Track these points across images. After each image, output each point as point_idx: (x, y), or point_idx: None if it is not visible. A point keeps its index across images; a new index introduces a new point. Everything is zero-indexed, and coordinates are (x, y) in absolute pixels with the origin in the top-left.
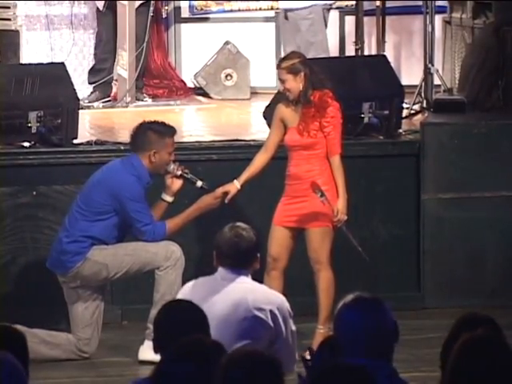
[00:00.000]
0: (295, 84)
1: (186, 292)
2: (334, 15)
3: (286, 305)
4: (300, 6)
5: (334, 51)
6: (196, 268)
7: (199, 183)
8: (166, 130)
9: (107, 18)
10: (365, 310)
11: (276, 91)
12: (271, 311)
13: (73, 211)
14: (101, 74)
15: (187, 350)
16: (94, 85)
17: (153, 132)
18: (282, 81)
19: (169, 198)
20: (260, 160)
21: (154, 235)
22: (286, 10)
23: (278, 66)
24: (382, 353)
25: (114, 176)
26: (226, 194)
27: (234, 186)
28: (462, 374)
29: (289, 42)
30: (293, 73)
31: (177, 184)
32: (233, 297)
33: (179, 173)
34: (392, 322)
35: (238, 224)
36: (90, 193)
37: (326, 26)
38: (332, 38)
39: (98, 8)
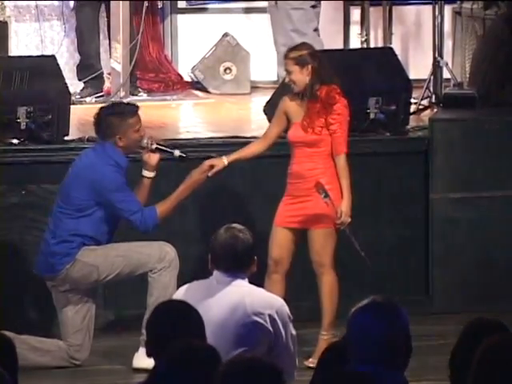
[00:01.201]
0: (301, 76)
1: (179, 296)
2: (338, 5)
3: (286, 308)
4: None
5: (338, 43)
6: (193, 271)
7: (176, 152)
8: (125, 111)
9: (83, 13)
10: (379, 315)
11: (277, 85)
12: (270, 315)
13: (55, 212)
14: (89, 69)
15: (181, 357)
16: (84, 80)
17: (113, 116)
18: (288, 72)
19: (150, 174)
20: (255, 146)
21: (145, 222)
22: None
23: (286, 56)
24: (393, 361)
25: (91, 169)
26: (212, 167)
27: (222, 161)
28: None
29: (279, 31)
30: (300, 64)
31: (154, 158)
32: (229, 301)
33: (154, 146)
34: (406, 331)
35: (234, 225)
36: (68, 190)
37: (318, 18)
38: (337, 29)
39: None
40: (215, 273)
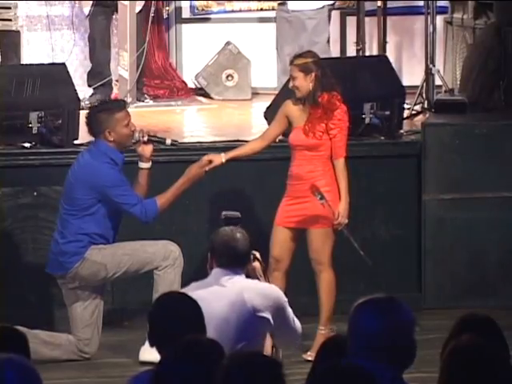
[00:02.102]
0: (305, 83)
1: None
2: (335, 15)
3: (280, 294)
4: (308, 7)
5: (335, 52)
6: (196, 269)
7: (168, 141)
8: (112, 106)
9: (97, 21)
10: (380, 312)
11: (277, 92)
12: (268, 306)
13: (61, 213)
14: (99, 76)
15: (186, 351)
16: (94, 86)
17: (101, 113)
18: (292, 77)
19: (146, 165)
20: (253, 145)
21: (146, 213)
22: (293, 11)
23: (291, 62)
24: (390, 356)
25: (88, 169)
26: (210, 162)
27: (220, 158)
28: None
29: (288, 41)
30: (304, 71)
31: (148, 149)
32: (229, 296)
33: (146, 138)
34: (407, 329)
35: (231, 227)
36: (70, 193)
37: (329, 28)
38: (333, 38)
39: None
40: (215, 270)
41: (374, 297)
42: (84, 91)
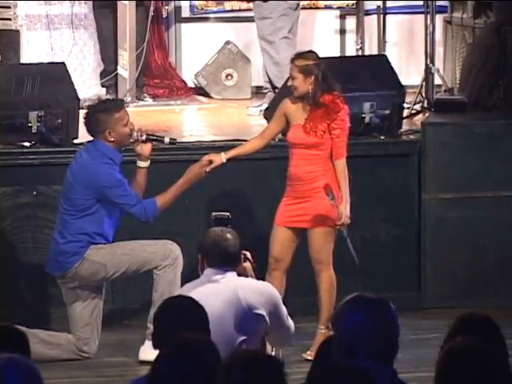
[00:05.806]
0: (303, 85)
1: None
2: (334, 15)
3: (274, 291)
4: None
5: (335, 51)
6: (196, 268)
7: (167, 139)
8: (111, 106)
9: (107, 20)
10: (365, 311)
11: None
12: (263, 303)
13: (60, 213)
14: (112, 74)
15: (182, 349)
16: (107, 85)
17: (100, 113)
18: (291, 77)
19: (145, 164)
20: (253, 144)
21: (145, 213)
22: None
23: (292, 61)
24: (383, 354)
25: (87, 169)
26: (210, 162)
27: (220, 157)
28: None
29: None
30: (304, 73)
31: (147, 148)
32: (224, 295)
33: (144, 137)
34: (394, 323)
35: (219, 227)
36: (69, 193)
37: (292, 23)
38: (333, 37)
39: (95, 9)
40: (207, 270)
41: (360, 296)
42: (83, 90)
